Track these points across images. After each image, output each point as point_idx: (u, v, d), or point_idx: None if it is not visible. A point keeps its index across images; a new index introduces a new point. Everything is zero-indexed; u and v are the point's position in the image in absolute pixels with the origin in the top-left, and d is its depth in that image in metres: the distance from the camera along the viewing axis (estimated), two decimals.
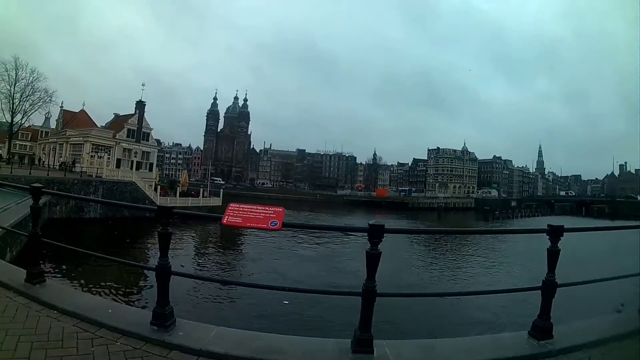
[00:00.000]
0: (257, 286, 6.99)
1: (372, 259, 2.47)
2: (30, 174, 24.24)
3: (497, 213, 61.50)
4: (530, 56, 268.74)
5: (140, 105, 37.43)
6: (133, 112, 37.78)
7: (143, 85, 38.37)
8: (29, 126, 57.32)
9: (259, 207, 2.64)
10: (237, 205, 2.70)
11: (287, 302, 10.37)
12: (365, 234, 2.52)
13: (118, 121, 39.16)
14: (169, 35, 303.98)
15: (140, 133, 36.80)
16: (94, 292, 10.55)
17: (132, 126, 36.48)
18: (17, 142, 57.82)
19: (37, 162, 36.51)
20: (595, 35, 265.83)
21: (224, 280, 16.24)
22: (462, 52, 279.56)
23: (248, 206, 2.68)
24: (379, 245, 2.46)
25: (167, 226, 2.66)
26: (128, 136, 36.00)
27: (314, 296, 9.22)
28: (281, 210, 2.64)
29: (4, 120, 35.50)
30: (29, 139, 58.70)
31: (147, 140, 37.71)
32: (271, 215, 2.59)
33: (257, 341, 2.64)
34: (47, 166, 34.69)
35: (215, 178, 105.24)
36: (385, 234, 2.48)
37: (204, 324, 2.90)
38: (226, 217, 2.63)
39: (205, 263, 18.12)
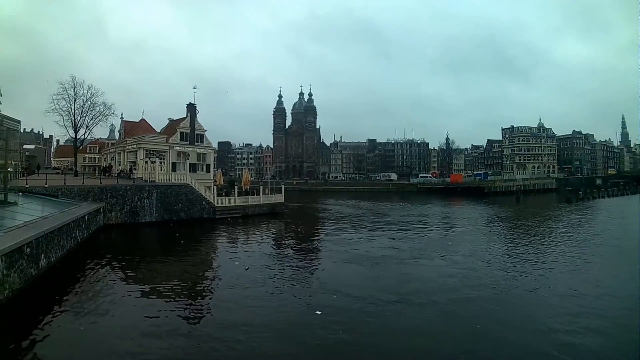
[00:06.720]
0: None
1: None
2: (83, 183, 24.49)
3: (581, 193, 55.52)
4: None
5: (191, 107, 37.16)
6: (185, 116, 37.72)
7: (195, 88, 38.05)
8: (97, 139, 61.22)
9: None
10: None
11: None
12: None
13: (172, 126, 39.26)
14: (197, 25, 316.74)
15: (193, 135, 36.53)
16: None
17: (184, 129, 36.35)
18: (87, 155, 62.11)
19: (100, 173, 37.99)
20: None
21: None
22: (525, 3, 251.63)
23: None
24: None
25: None
26: (181, 139, 35.94)
27: None
28: None
29: (67, 136, 37.44)
30: (96, 151, 62.67)
31: (202, 141, 37.26)
32: None
33: None
34: (107, 175, 36.11)
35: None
36: None
37: None
38: None
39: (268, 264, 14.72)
